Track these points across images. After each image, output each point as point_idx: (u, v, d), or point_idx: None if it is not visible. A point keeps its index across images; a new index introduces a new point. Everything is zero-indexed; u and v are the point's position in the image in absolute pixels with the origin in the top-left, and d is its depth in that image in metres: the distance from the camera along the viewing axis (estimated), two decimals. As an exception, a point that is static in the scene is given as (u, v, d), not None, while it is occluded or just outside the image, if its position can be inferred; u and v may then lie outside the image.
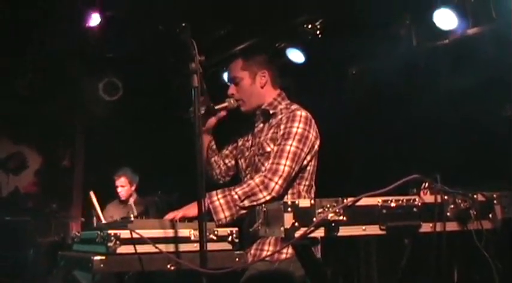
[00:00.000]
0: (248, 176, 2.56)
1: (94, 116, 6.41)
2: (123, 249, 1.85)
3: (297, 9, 4.66)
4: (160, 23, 4.83)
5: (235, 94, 2.61)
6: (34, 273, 5.26)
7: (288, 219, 1.61)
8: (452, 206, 1.75)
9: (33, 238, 5.52)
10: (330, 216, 1.63)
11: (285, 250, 2.37)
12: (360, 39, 4.28)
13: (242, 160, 2.65)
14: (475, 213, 1.75)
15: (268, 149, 2.47)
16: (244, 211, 2.34)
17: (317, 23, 4.66)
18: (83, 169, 6.82)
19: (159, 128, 6.58)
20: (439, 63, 4.16)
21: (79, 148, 6.90)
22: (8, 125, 6.42)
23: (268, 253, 2.39)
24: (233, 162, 2.78)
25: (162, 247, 1.90)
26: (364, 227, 1.67)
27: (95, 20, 4.99)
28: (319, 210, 1.63)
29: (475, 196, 1.78)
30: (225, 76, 4.97)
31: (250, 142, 2.65)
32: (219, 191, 2.37)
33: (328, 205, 1.64)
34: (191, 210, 2.21)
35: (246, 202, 2.32)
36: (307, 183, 2.50)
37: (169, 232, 1.96)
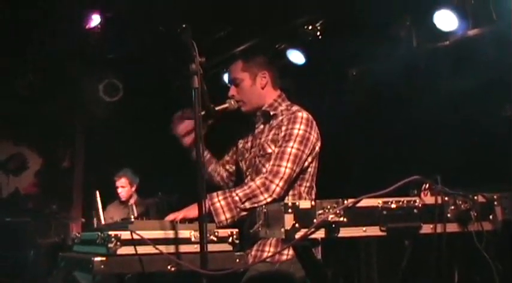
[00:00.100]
0: (249, 177, 2.56)
1: (94, 117, 6.41)
2: (123, 250, 1.85)
3: (297, 10, 4.66)
4: (161, 24, 4.83)
5: (236, 95, 2.61)
6: (34, 274, 5.26)
7: (289, 220, 1.61)
8: (452, 207, 1.75)
9: (33, 239, 5.52)
10: (331, 217, 1.63)
11: (285, 252, 2.37)
12: (360, 40, 4.28)
13: (243, 162, 2.65)
14: (475, 214, 1.75)
15: (269, 150, 2.47)
16: (245, 213, 2.34)
17: (317, 24, 4.65)
18: (83, 170, 6.82)
19: (159, 128, 6.57)
20: (439, 64, 4.16)
21: (79, 149, 6.90)
22: (8, 126, 6.41)
23: (269, 254, 2.39)
24: (234, 167, 2.78)
25: (163, 248, 1.90)
26: (364, 228, 1.67)
27: (95, 20, 4.99)
28: (320, 211, 1.63)
29: (475, 197, 1.78)
30: (226, 77, 4.97)
31: (250, 143, 2.65)
32: (219, 192, 2.37)
33: (329, 207, 1.64)
34: (192, 211, 2.22)
35: (247, 204, 2.33)
36: (308, 184, 2.50)
37: (170, 234, 1.96)
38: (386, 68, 4.40)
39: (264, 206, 1.84)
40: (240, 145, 2.73)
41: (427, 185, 1.77)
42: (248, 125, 2.70)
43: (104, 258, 1.82)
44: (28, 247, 5.41)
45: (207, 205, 2.23)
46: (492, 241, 1.76)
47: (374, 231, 1.68)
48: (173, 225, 2.01)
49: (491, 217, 1.78)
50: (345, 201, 1.66)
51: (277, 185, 2.35)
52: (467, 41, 4.03)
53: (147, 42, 5.26)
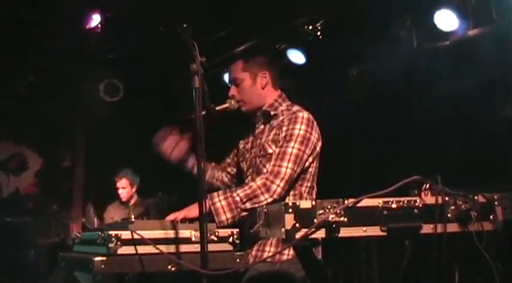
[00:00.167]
0: (249, 177, 2.56)
1: (94, 117, 6.42)
2: (124, 250, 1.85)
3: (298, 10, 4.66)
4: (161, 24, 4.83)
5: (236, 95, 2.61)
6: (34, 274, 5.26)
7: (289, 220, 1.61)
8: (453, 207, 1.75)
9: (33, 239, 5.52)
10: (331, 217, 1.63)
11: (286, 252, 2.37)
12: (361, 40, 4.28)
13: (244, 162, 2.65)
14: (475, 214, 1.75)
15: (270, 151, 2.47)
16: (245, 214, 2.34)
17: (317, 24, 4.65)
18: (84, 170, 6.82)
19: (159, 128, 6.57)
20: (439, 64, 4.16)
21: (79, 149, 6.90)
22: (9, 126, 6.41)
23: (270, 254, 2.39)
24: (235, 169, 2.78)
25: (163, 248, 1.90)
26: (365, 228, 1.67)
27: (95, 20, 4.99)
28: (320, 211, 1.63)
29: (475, 197, 1.78)
30: (226, 77, 4.97)
31: (250, 144, 2.65)
32: (220, 192, 2.37)
33: (329, 206, 1.64)
34: (192, 211, 2.22)
35: (248, 205, 2.33)
36: (308, 184, 2.50)
37: (170, 233, 1.96)
38: (386, 68, 4.39)
39: (264, 206, 1.84)
40: (241, 146, 2.73)
41: (428, 185, 1.77)
42: (248, 125, 2.70)
43: (104, 258, 1.82)
44: (28, 247, 5.41)
45: (207, 205, 2.24)
46: (492, 241, 1.76)
47: (374, 231, 1.68)
48: (173, 225, 2.01)
49: (491, 217, 1.78)
50: (346, 201, 1.66)
51: (278, 186, 2.35)
52: (467, 41, 4.03)
53: (147, 42, 5.26)
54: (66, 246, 5.06)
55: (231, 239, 2.03)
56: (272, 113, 2.58)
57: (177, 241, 1.95)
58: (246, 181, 2.55)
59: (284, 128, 2.46)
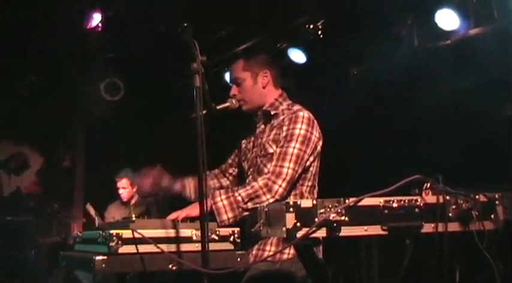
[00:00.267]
0: (250, 177, 2.56)
1: (95, 116, 6.42)
2: (125, 249, 1.86)
3: (299, 10, 4.66)
4: (161, 23, 4.83)
5: (237, 94, 2.61)
6: (35, 273, 5.26)
7: (290, 219, 1.61)
8: (454, 207, 1.75)
9: (34, 238, 5.53)
10: (332, 216, 1.63)
11: (286, 251, 2.37)
12: (362, 39, 4.28)
13: (245, 162, 2.65)
14: (477, 213, 1.75)
15: (271, 151, 2.47)
16: (247, 213, 2.34)
17: (318, 23, 4.65)
18: (84, 170, 6.83)
19: (160, 127, 6.58)
20: (440, 63, 4.15)
21: (80, 148, 6.90)
22: (9, 125, 6.42)
23: (270, 253, 2.39)
24: (237, 170, 2.78)
25: (164, 247, 1.90)
26: (366, 227, 1.67)
27: (95, 20, 4.99)
28: (321, 210, 1.63)
29: (477, 196, 1.78)
30: (227, 76, 4.97)
31: (252, 143, 2.65)
32: (222, 192, 2.37)
33: (330, 206, 1.64)
34: (194, 210, 2.22)
35: (250, 205, 2.32)
36: (309, 183, 2.50)
37: (171, 233, 1.96)
38: (387, 67, 4.39)
39: (265, 205, 1.84)
40: (243, 146, 2.73)
41: (429, 184, 1.77)
42: (250, 125, 2.70)
43: (105, 257, 1.82)
44: (29, 246, 5.42)
45: (209, 204, 2.24)
46: (493, 241, 1.75)
47: (375, 230, 1.68)
48: (174, 224, 2.01)
49: (492, 216, 1.78)
50: (347, 200, 1.66)
51: (280, 186, 2.35)
52: (468, 40, 4.02)
53: (147, 42, 5.26)
54: (67, 245, 5.07)
55: (231, 238, 2.04)
56: (272, 113, 2.58)
57: (178, 240, 1.95)
58: (247, 181, 2.55)
59: (285, 128, 2.46)
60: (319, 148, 2.50)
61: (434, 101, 4.07)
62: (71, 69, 5.83)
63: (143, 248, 1.87)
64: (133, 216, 2.04)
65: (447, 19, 4.02)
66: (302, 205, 1.63)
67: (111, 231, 1.86)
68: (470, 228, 1.75)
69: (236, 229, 2.06)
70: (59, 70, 5.86)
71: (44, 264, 5.24)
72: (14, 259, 5.37)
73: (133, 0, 4.73)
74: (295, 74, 4.88)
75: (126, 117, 6.42)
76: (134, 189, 5.58)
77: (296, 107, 2.55)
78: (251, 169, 2.58)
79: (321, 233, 1.63)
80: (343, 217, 1.64)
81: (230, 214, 2.31)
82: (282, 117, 2.52)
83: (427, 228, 1.72)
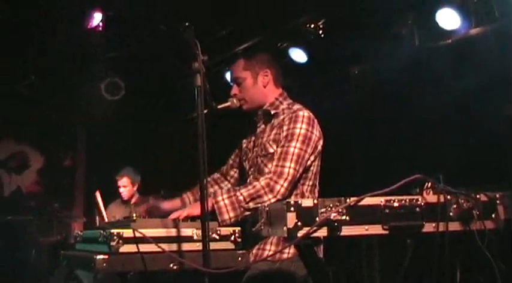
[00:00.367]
0: (251, 177, 2.56)
1: (95, 116, 6.42)
2: (125, 248, 1.86)
3: (299, 9, 4.66)
4: (162, 22, 4.83)
5: (238, 94, 2.61)
6: (36, 273, 5.26)
7: (291, 218, 1.61)
8: (455, 206, 1.75)
9: (35, 237, 5.53)
10: (333, 215, 1.63)
11: (286, 250, 2.37)
12: (362, 39, 4.28)
13: (246, 161, 2.65)
14: (477, 213, 1.75)
15: (271, 150, 2.47)
16: (248, 213, 2.34)
17: (319, 23, 4.65)
18: (85, 169, 6.83)
19: (161, 127, 6.59)
20: (441, 63, 4.15)
21: (81, 147, 6.90)
22: (10, 125, 6.42)
23: (270, 253, 2.39)
24: (238, 170, 2.78)
25: (165, 246, 1.90)
26: (366, 227, 1.67)
27: (96, 19, 4.99)
28: (322, 210, 1.63)
29: (477, 196, 1.78)
30: (228, 75, 4.97)
31: (252, 143, 2.65)
32: (224, 191, 2.37)
33: (331, 205, 1.64)
34: (195, 209, 2.21)
35: (251, 204, 2.32)
36: (310, 183, 2.50)
37: (172, 232, 1.96)
38: (388, 67, 4.39)
39: (266, 205, 1.84)
40: (244, 146, 2.73)
41: (430, 184, 1.77)
42: (250, 124, 2.70)
43: (106, 256, 1.82)
44: (30, 245, 5.41)
45: (210, 204, 2.24)
46: (494, 240, 1.75)
47: (376, 229, 1.68)
48: (175, 224, 2.01)
49: (493, 216, 1.78)
50: (347, 200, 1.66)
51: (282, 186, 2.35)
52: (469, 40, 4.02)
53: (148, 41, 5.26)
54: (68, 244, 5.07)
55: (232, 238, 2.03)
56: (273, 112, 2.57)
57: (179, 239, 1.95)
58: (248, 180, 2.54)
59: (285, 127, 2.46)
60: (319, 147, 2.50)
61: (435, 100, 4.07)
62: (72, 68, 5.84)
63: (144, 247, 1.87)
64: (134, 215, 2.04)
65: (448, 18, 4.02)
66: (303, 205, 1.63)
67: (112, 230, 1.86)
68: (471, 228, 1.75)
69: (237, 229, 2.06)
70: (59, 70, 5.86)
71: (45, 264, 5.24)
72: (15, 259, 5.37)
73: (134, 0, 4.73)
74: (296, 74, 4.88)
75: (127, 116, 6.42)
76: (135, 188, 5.59)
77: (296, 106, 2.55)
78: (252, 169, 2.58)
79: (322, 232, 1.63)
80: (344, 217, 1.64)
81: (232, 214, 2.31)
82: (282, 117, 2.52)
83: (428, 227, 1.72)
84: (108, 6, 4.96)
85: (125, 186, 5.53)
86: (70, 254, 2.28)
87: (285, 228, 1.62)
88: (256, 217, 1.92)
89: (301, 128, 2.43)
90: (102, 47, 5.38)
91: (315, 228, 1.61)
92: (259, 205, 2.27)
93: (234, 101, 2.60)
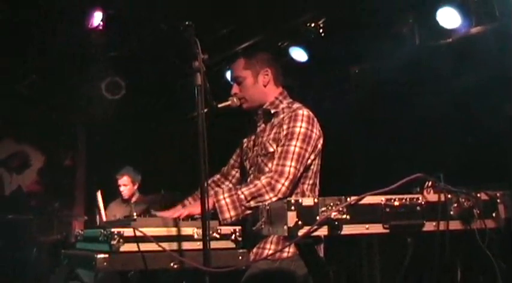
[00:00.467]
0: (251, 176, 2.56)
1: (95, 115, 6.42)
2: (126, 247, 1.86)
3: (300, 8, 4.66)
4: (163, 21, 4.83)
5: (239, 93, 2.61)
6: (36, 272, 5.27)
7: (292, 217, 1.61)
8: (455, 205, 1.75)
9: (35, 236, 5.53)
10: (333, 214, 1.63)
11: (286, 249, 2.37)
12: (363, 38, 4.28)
13: (247, 161, 2.65)
14: (478, 212, 1.75)
15: (271, 149, 2.47)
16: (249, 212, 2.33)
17: (320, 22, 4.65)
18: (85, 168, 6.83)
19: (161, 126, 6.59)
20: (442, 62, 4.15)
21: (81, 147, 6.91)
22: (10, 125, 6.42)
23: (270, 251, 2.39)
24: (240, 170, 2.78)
25: (166, 245, 1.90)
26: (367, 226, 1.67)
27: (97, 19, 4.99)
28: (323, 209, 1.63)
29: (478, 195, 1.78)
30: (228, 74, 4.97)
31: (253, 142, 2.65)
32: (225, 190, 2.38)
33: (332, 204, 1.64)
34: (196, 208, 2.21)
35: (252, 203, 2.32)
36: (311, 182, 2.50)
37: (173, 231, 1.96)
38: (388, 66, 4.39)
39: (266, 204, 1.84)
40: (244, 145, 2.73)
41: (430, 183, 1.77)
42: (250, 124, 2.70)
43: (106, 255, 1.82)
44: (30, 245, 5.42)
45: (211, 202, 2.24)
46: (495, 239, 1.75)
47: (377, 228, 1.68)
48: (176, 223, 2.01)
49: (494, 215, 1.78)
50: (348, 199, 1.66)
51: (283, 185, 2.35)
52: (470, 39, 4.02)
53: (148, 41, 5.26)
54: (69, 243, 5.07)
55: (233, 237, 2.03)
56: (273, 111, 2.57)
57: (180, 238, 1.95)
58: (249, 180, 2.54)
59: (285, 126, 2.46)
60: (319, 146, 2.50)
61: (436, 99, 4.07)
62: (71, 68, 5.84)
63: (145, 246, 1.87)
64: (135, 214, 2.04)
65: (448, 17, 4.02)
66: (303, 204, 1.63)
67: (113, 229, 1.86)
68: (471, 227, 1.74)
69: (237, 228, 2.06)
70: (59, 69, 5.86)
71: (46, 263, 5.24)
72: (15, 258, 5.38)
73: (134, -1, 4.74)
74: (296, 73, 4.88)
75: (127, 116, 6.42)
76: (135, 187, 5.59)
77: (296, 105, 2.55)
78: (252, 169, 2.58)
79: (323, 231, 1.63)
80: (344, 216, 1.64)
81: (233, 213, 2.31)
82: (282, 116, 2.52)
83: (429, 226, 1.72)
84: (109, 5, 4.96)
85: (126, 185, 5.54)
86: (71, 253, 2.28)
87: (285, 227, 1.62)
88: (257, 216, 1.92)
89: (301, 127, 2.43)
90: (102, 47, 5.38)
91: (315, 227, 1.61)
92: (260, 204, 2.27)
93: (235, 100, 2.60)
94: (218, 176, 2.84)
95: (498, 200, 1.79)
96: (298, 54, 5.00)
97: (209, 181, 2.72)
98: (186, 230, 1.97)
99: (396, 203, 1.69)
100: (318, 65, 4.99)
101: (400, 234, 1.77)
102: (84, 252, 2.11)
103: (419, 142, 4.22)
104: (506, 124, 3.58)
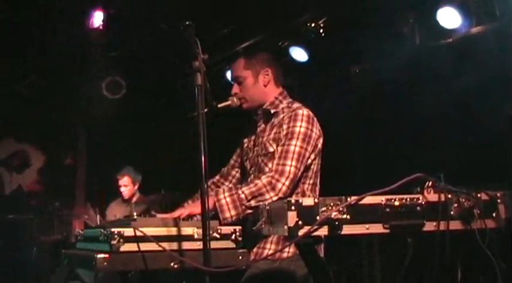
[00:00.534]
0: (252, 176, 2.56)
1: (96, 115, 6.42)
2: (126, 247, 1.86)
3: (300, 8, 4.66)
4: (163, 21, 4.83)
5: (239, 93, 2.61)
6: (37, 272, 5.27)
7: (292, 217, 1.61)
8: (456, 205, 1.75)
9: (36, 236, 5.53)
10: (334, 214, 1.63)
11: (286, 249, 2.37)
12: (363, 37, 4.28)
13: (247, 161, 2.65)
14: (478, 212, 1.75)
15: (271, 149, 2.47)
16: (250, 211, 2.33)
17: (320, 22, 4.65)
18: (85, 168, 6.83)
19: (161, 126, 6.59)
20: (442, 62, 4.15)
21: (81, 147, 6.90)
22: (10, 125, 6.42)
23: (270, 251, 2.39)
24: (240, 170, 2.78)
25: (166, 245, 1.90)
26: (367, 226, 1.67)
27: (97, 18, 4.99)
28: (323, 209, 1.63)
29: (478, 195, 1.78)
30: (229, 74, 4.97)
31: (253, 142, 2.65)
32: (225, 189, 2.38)
33: (332, 204, 1.64)
34: (196, 208, 2.21)
35: (253, 202, 2.32)
36: (311, 181, 2.50)
37: (173, 231, 1.96)
38: (389, 66, 4.39)
39: (267, 203, 1.84)
40: (244, 145, 2.73)
41: (430, 183, 1.77)
42: (250, 124, 2.70)
43: (106, 255, 1.83)
44: (31, 244, 5.42)
45: (212, 201, 2.24)
46: (495, 239, 1.75)
47: (377, 228, 1.68)
48: (176, 222, 2.01)
49: (494, 215, 1.78)
50: (348, 199, 1.65)
51: (284, 184, 2.35)
52: (470, 39, 4.02)
53: (149, 40, 5.26)
54: (69, 243, 5.07)
55: (233, 236, 2.03)
56: (273, 111, 2.58)
57: (180, 238, 1.95)
58: (249, 180, 2.54)
59: (285, 126, 2.46)
60: (319, 145, 2.50)
61: (436, 99, 4.07)
62: (71, 68, 5.84)
63: (145, 246, 1.88)
64: (135, 214, 2.04)
65: (449, 17, 4.02)
66: (304, 204, 1.63)
67: (113, 229, 1.86)
68: (472, 227, 1.74)
69: (238, 228, 2.06)
70: (59, 69, 5.86)
71: (46, 263, 5.24)
72: (16, 258, 5.38)
73: (134, -1, 4.74)
74: (297, 73, 4.88)
75: (127, 116, 6.42)
76: (135, 187, 5.59)
77: (296, 105, 2.55)
78: (253, 169, 2.58)
79: (323, 231, 1.63)
80: (344, 216, 1.64)
81: (233, 212, 2.31)
82: (282, 116, 2.52)
83: (429, 226, 1.71)
84: (109, 5, 4.97)
85: (126, 185, 5.54)
86: (71, 253, 2.28)
87: (285, 227, 1.62)
88: (257, 216, 1.92)
89: (301, 126, 2.43)
90: (102, 47, 5.38)
91: (315, 227, 1.61)
92: (261, 203, 2.27)
93: (235, 99, 2.60)
94: (218, 177, 2.84)
95: (498, 200, 1.79)
96: (299, 54, 5.00)
97: (209, 183, 2.72)
98: (186, 230, 1.98)
99: (396, 203, 1.69)
100: (318, 64, 4.98)
101: (400, 234, 1.77)
102: (84, 251, 2.11)
103: (419, 142, 4.22)
104: (506, 124, 3.58)
